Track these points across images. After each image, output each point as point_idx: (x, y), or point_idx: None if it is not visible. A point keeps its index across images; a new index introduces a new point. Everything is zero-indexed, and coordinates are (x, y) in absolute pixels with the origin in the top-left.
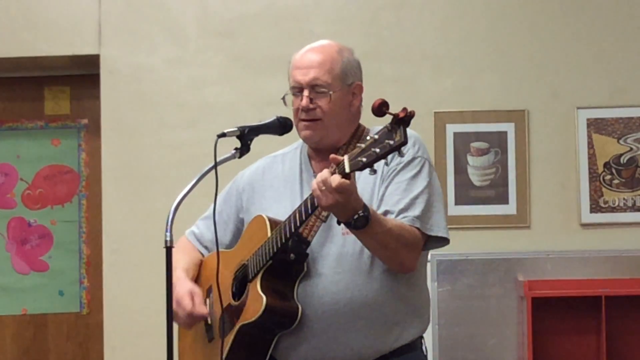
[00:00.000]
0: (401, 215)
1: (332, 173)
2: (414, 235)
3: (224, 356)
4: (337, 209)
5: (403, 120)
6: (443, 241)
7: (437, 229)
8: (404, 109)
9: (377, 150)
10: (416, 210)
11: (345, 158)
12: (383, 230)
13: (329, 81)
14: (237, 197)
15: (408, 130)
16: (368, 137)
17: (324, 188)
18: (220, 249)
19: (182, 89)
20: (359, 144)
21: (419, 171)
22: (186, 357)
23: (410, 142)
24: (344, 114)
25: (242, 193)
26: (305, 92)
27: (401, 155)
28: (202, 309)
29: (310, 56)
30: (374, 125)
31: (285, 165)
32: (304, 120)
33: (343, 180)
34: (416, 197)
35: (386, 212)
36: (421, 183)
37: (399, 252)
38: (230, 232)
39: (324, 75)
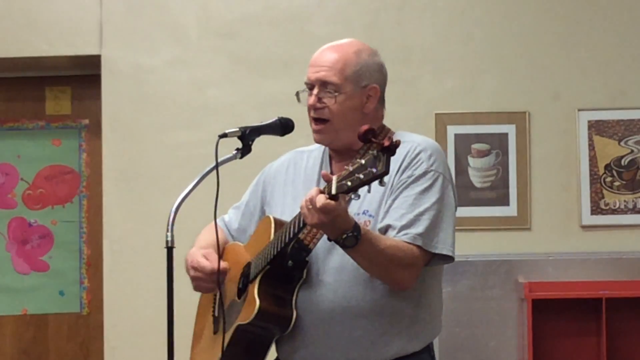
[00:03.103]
0: (402, 232)
1: (321, 192)
2: (410, 254)
3: (222, 351)
4: (324, 228)
5: (388, 150)
6: (448, 259)
7: (442, 247)
8: (389, 139)
9: (361, 176)
10: (419, 228)
11: (334, 179)
12: (375, 250)
13: (338, 82)
14: (263, 189)
15: (428, 141)
16: (357, 160)
17: (310, 207)
18: (242, 240)
19: (183, 89)
20: (346, 167)
21: (430, 186)
22: (195, 343)
23: (426, 154)
24: (355, 116)
25: (267, 185)
26: (315, 91)
27: (382, 184)
28: (221, 263)
29: (326, 54)
30: (399, 129)
31: (308, 163)
32: (314, 119)
33: (328, 201)
34: (422, 214)
35: (388, 227)
36: (430, 199)
37: (392, 271)
38: (254, 223)
39: (334, 76)
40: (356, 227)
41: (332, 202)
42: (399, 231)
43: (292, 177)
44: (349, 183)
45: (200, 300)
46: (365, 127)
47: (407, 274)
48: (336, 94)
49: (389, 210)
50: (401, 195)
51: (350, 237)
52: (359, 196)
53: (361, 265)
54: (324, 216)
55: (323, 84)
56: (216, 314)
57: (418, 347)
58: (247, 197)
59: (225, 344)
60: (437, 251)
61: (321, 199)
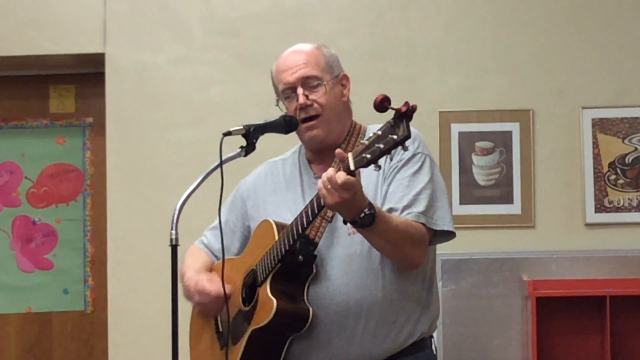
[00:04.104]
0: (405, 212)
1: (337, 170)
2: (419, 231)
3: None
4: (343, 207)
5: (405, 115)
6: (449, 235)
7: (442, 224)
8: (406, 103)
9: (381, 146)
10: (420, 206)
11: (350, 155)
12: (389, 228)
13: (319, 74)
14: (242, 204)
15: None
16: (371, 134)
17: (329, 186)
18: (228, 257)
19: (187, 87)
20: (362, 141)
21: (420, 167)
22: None
23: (409, 140)
24: (339, 106)
25: (247, 200)
26: (300, 90)
27: (405, 149)
28: (225, 288)
29: (294, 56)
30: (370, 124)
31: (286, 170)
32: (304, 120)
33: (349, 177)
34: (419, 193)
35: (390, 210)
36: (423, 179)
37: (406, 248)
38: (237, 240)
39: (313, 70)
40: (371, 204)
41: (353, 177)
42: (402, 211)
43: (272, 186)
44: (368, 155)
45: (191, 329)
46: (380, 96)
47: (419, 251)
48: (325, 83)
49: (387, 195)
50: (395, 180)
51: (368, 215)
52: (379, 167)
53: (376, 245)
54: (346, 193)
55: (305, 80)
56: (221, 330)
57: (424, 328)
58: (224, 216)
59: (240, 354)
60: (438, 228)
61: (342, 176)
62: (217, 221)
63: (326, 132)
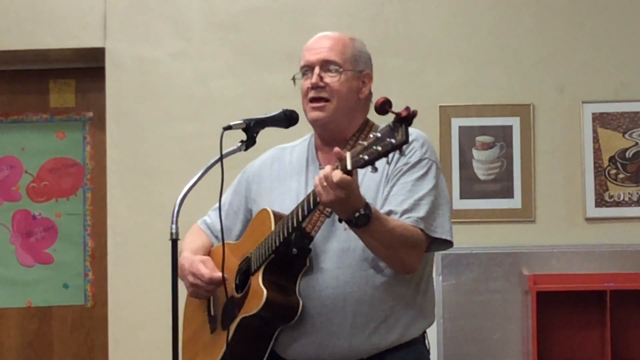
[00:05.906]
0: (405, 216)
1: (335, 169)
2: (416, 236)
3: (225, 348)
4: (338, 206)
5: (405, 120)
6: (447, 244)
7: (441, 231)
8: (407, 108)
9: (379, 148)
10: (420, 212)
11: (348, 154)
12: (384, 230)
13: (340, 61)
14: (247, 187)
15: (417, 131)
16: (371, 135)
17: (325, 184)
18: (229, 240)
19: (187, 82)
20: (360, 142)
21: (426, 173)
22: (188, 349)
23: (418, 143)
24: (353, 99)
25: (252, 184)
26: (316, 70)
27: (402, 154)
28: (218, 273)
29: (322, 40)
30: (384, 123)
31: (293, 157)
32: (312, 100)
33: (344, 176)
34: (421, 199)
35: (390, 212)
36: (427, 185)
37: (400, 252)
38: (240, 223)
39: (336, 55)
40: (367, 205)
41: (349, 176)
42: (401, 215)
43: (277, 172)
44: (366, 157)
45: (186, 311)
46: (382, 98)
47: (414, 256)
48: (341, 70)
49: (388, 197)
50: (398, 183)
51: (363, 216)
52: (376, 169)
53: (370, 246)
54: (341, 192)
55: (325, 63)
56: (213, 313)
57: (416, 333)
58: (228, 197)
59: (228, 340)
60: (437, 235)
61: (337, 174)
62: (222, 201)
63: (330, 118)
